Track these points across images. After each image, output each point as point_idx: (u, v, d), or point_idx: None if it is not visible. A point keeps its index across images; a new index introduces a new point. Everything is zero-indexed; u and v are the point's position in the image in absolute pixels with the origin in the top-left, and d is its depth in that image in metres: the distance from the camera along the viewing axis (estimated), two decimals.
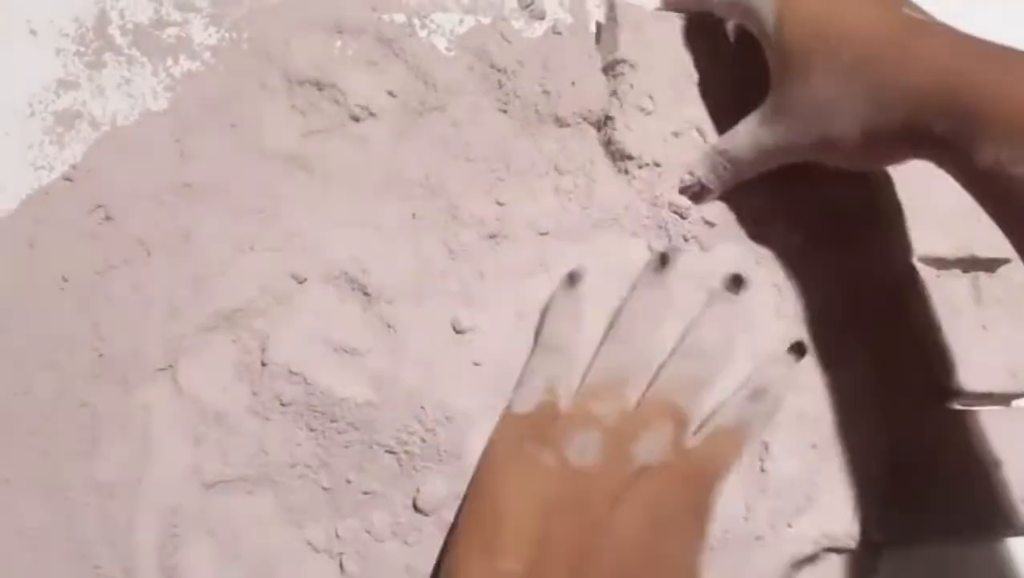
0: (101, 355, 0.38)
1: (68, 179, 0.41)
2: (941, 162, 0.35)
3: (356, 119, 0.44)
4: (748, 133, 0.40)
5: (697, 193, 0.43)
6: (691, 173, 0.42)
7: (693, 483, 0.35)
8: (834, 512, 0.40)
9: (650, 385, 0.37)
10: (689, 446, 0.36)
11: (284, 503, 0.37)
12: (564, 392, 0.36)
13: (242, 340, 0.39)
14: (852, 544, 0.40)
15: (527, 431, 0.35)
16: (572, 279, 0.38)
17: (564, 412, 0.36)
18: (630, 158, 0.43)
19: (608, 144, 0.44)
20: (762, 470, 0.40)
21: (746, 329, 0.41)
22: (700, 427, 0.37)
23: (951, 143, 0.33)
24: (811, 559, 0.41)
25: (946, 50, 0.33)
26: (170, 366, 0.39)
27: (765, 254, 0.43)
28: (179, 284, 0.39)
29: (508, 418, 0.37)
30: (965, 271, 0.46)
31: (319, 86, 0.44)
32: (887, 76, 0.34)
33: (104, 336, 0.38)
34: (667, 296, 0.39)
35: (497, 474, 0.34)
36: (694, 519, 0.34)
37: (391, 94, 0.44)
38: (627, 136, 0.43)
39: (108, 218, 0.40)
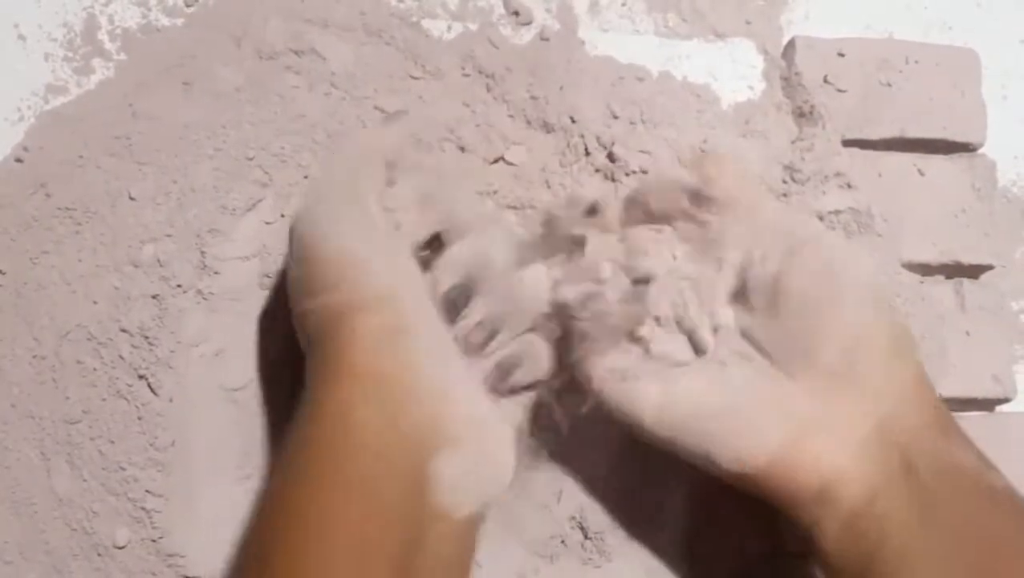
0: (35, 356, 0.39)
1: (19, 160, 0.42)
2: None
3: (333, 85, 0.44)
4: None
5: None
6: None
7: None
8: None
9: None
10: None
11: None
12: None
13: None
14: None
15: None
16: None
17: None
18: (616, 162, 0.43)
19: (597, 150, 0.44)
20: None
21: None
22: None
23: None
24: None
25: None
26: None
27: None
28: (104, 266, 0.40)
29: None
30: (948, 277, 0.47)
31: (298, 52, 0.44)
32: None
33: (37, 336, 0.39)
34: None
35: None
36: None
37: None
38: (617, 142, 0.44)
39: (48, 196, 0.41)
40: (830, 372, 0.32)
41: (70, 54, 0.45)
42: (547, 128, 0.45)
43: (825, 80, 0.47)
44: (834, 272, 0.33)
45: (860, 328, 0.32)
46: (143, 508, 0.39)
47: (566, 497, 0.41)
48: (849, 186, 0.45)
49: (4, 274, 0.40)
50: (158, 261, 0.40)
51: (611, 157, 0.44)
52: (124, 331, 0.40)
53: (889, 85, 0.47)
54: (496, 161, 0.44)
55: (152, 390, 0.40)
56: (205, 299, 0.41)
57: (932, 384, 0.33)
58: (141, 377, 0.40)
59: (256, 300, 0.41)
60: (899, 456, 0.30)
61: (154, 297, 0.40)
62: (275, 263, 0.42)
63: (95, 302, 0.40)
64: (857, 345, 0.32)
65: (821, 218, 0.44)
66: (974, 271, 0.47)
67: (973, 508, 0.30)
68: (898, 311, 0.34)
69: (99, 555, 0.38)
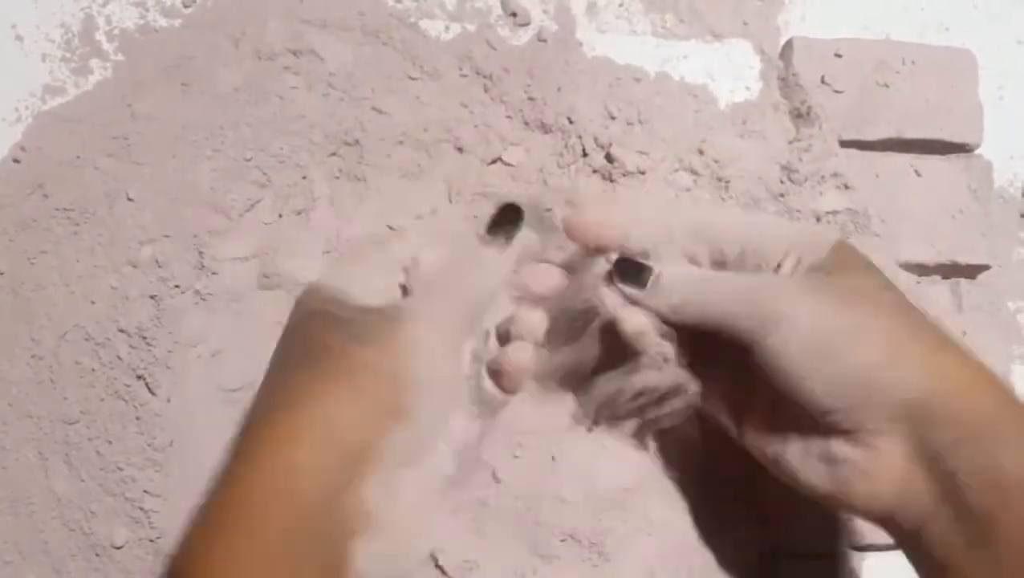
0: (33, 356, 0.39)
1: (17, 161, 0.42)
2: None
3: (331, 86, 0.44)
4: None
5: None
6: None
7: None
8: None
9: None
10: None
11: None
12: None
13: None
14: None
15: None
16: None
17: None
18: (614, 162, 0.44)
19: (595, 151, 0.44)
20: None
21: None
22: None
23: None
24: None
25: None
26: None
27: None
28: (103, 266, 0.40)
29: None
30: (945, 277, 0.47)
31: (296, 53, 0.44)
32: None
33: (35, 336, 0.39)
34: None
35: None
36: None
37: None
38: (615, 143, 0.44)
39: (46, 196, 0.41)
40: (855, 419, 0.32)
41: (68, 55, 0.45)
42: (545, 129, 0.45)
43: (822, 81, 0.47)
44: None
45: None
46: (141, 508, 0.39)
47: (565, 497, 0.41)
48: (846, 187, 0.45)
49: (2, 274, 0.40)
50: (156, 262, 0.40)
51: (609, 157, 0.44)
52: (122, 331, 0.40)
53: (886, 86, 0.47)
54: (494, 162, 0.45)
55: (150, 390, 0.40)
56: (203, 299, 0.41)
57: (979, 378, 0.32)
58: (139, 377, 0.40)
59: (254, 300, 0.41)
60: (939, 483, 0.30)
61: (152, 297, 0.40)
62: (273, 264, 0.42)
63: (93, 302, 0.40)
64: (865, 391, 0.31)
65: (819, 218, 0.44)
66: (971, 271, 0.47)
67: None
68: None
69: (97, 555, 0.38)
